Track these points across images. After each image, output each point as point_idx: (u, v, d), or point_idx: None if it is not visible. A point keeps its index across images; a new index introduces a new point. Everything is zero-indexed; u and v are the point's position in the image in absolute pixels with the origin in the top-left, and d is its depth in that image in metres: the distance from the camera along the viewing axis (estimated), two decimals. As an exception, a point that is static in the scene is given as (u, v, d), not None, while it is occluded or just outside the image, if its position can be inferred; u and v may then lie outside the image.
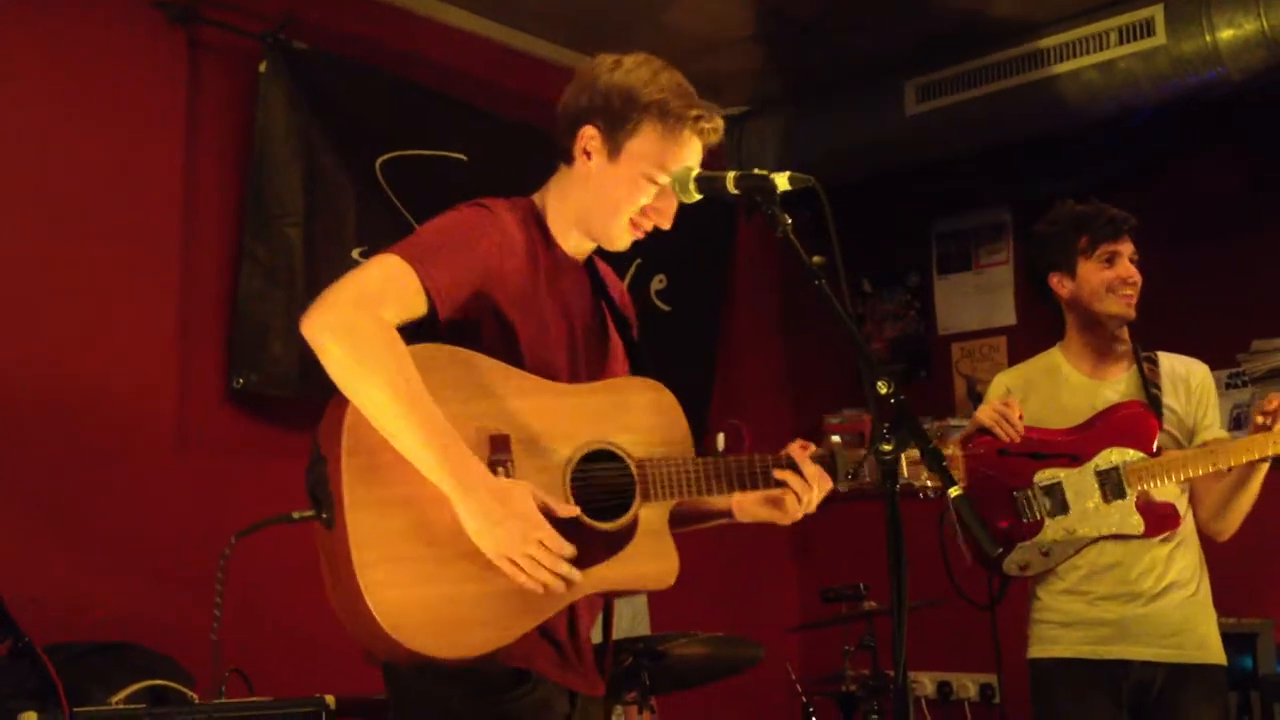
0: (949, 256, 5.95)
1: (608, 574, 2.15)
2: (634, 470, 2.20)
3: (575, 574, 2.05)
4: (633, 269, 5.20)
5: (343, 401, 2.02)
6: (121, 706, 3.11)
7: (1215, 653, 3.26)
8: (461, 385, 2.08)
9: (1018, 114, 5.04)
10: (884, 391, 1.95)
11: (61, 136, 3.90)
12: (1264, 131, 5.10)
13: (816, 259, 2.03)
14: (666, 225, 2.30)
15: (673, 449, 2.26)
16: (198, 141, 4.19)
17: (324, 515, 2.01)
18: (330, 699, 3.29)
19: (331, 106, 4.39)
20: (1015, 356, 5.29)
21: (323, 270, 4.25)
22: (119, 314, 3.98)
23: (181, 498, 4.00)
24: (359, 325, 2.01)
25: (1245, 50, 4.48)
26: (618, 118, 2.25)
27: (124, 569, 3.82)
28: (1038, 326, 5.34)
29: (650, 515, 2.21)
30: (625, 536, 2.18)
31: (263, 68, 4.23)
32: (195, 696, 3.24)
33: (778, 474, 2.31)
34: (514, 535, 2.00)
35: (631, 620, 4.50)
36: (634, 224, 2.28)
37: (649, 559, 2.20)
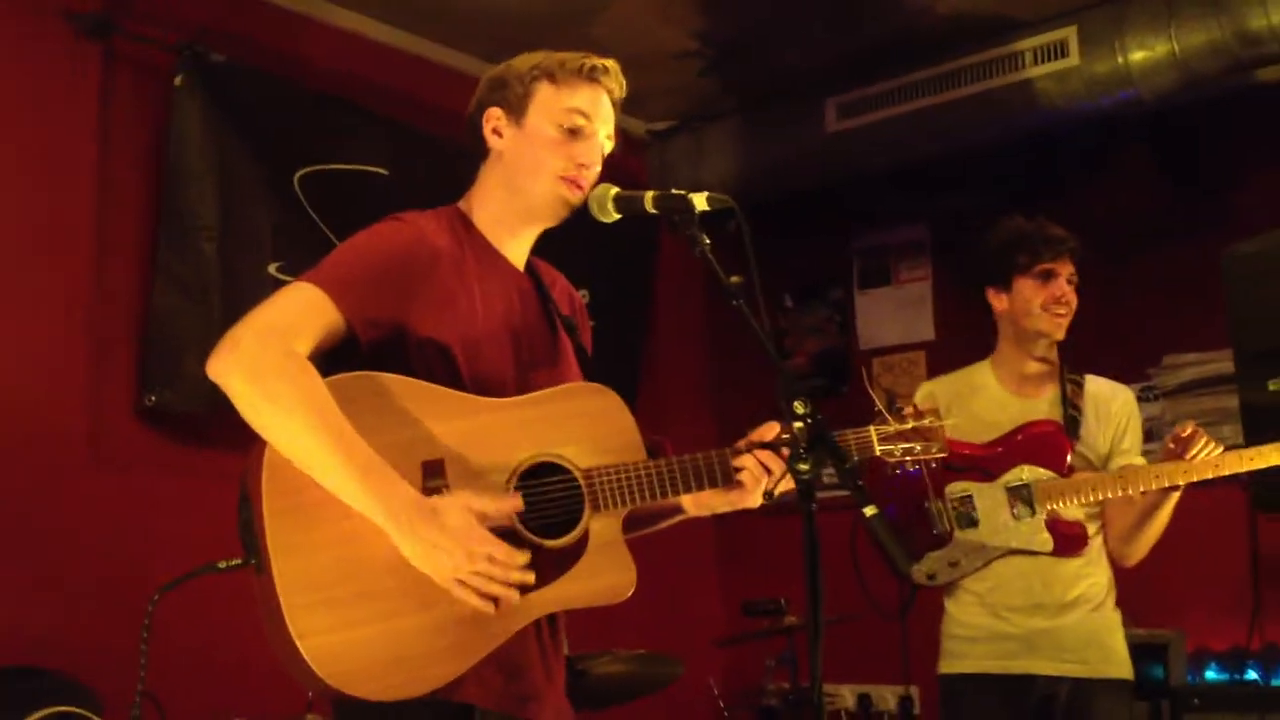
0: (869, 271, 6.01)
1: (561, 592, 2.07)
2: (581, 481, 2.12)
3: (529, 576, 1.99)
4: (555, 284, 5.14)
5: (264, 440, 1.95)
6: (27, 733, 3.04)
7: (1121, 667, 3.29)
8: (387, 413, 2.00)
9: (936, 132, 5.10)
10: (801, 411, 1.95)
11: (-31, 148, 3.82)
12: (1174, 151, 5.21)
13: (735, 279, 2.03)
14: (595, 165, 2.27)
15: (622, 455, 2.17)
16: (111, 154, 4.12)
17: (253, 561, 1.94)
18: (244, 723, 3.24)
19: (248, 120, 4.33)
20: (934, 371, 5.35)
21: (239, 285, 4.19)
22: (29, 328, 3.89)
23: (92, 517, 3.91)
24: (265, 361, 1.95)
25: (1156, 72, 4.57)
26: (513, 92, 2.27)
27: (31, 590, 3.73)
28: (956, 341, 5.42)
29: (602, 527, 2.13)
30: (577, 551, 2.10)
31: (178, 81, 4.16)
32: (105, 721, 3.18)
33: (737, 461, 2.23)
34: (456, 555, 1.93)
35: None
36: (567, 180, 2.24)
37: (603, 572, 2.12)
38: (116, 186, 4.12)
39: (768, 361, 2.01)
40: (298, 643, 1.88)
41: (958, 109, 4.98)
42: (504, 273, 2.27)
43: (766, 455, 2.23)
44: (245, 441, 2.01)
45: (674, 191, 2.14)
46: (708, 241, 2.09)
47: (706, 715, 5.42)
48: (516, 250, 2.32)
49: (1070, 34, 4.71)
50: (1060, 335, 3.35)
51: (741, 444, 2.27)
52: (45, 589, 3.75)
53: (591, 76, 2.28)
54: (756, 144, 5.55)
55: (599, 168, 2.28)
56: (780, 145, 5.49)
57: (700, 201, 2.12)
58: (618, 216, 2.23)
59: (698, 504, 2.35)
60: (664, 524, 2.43)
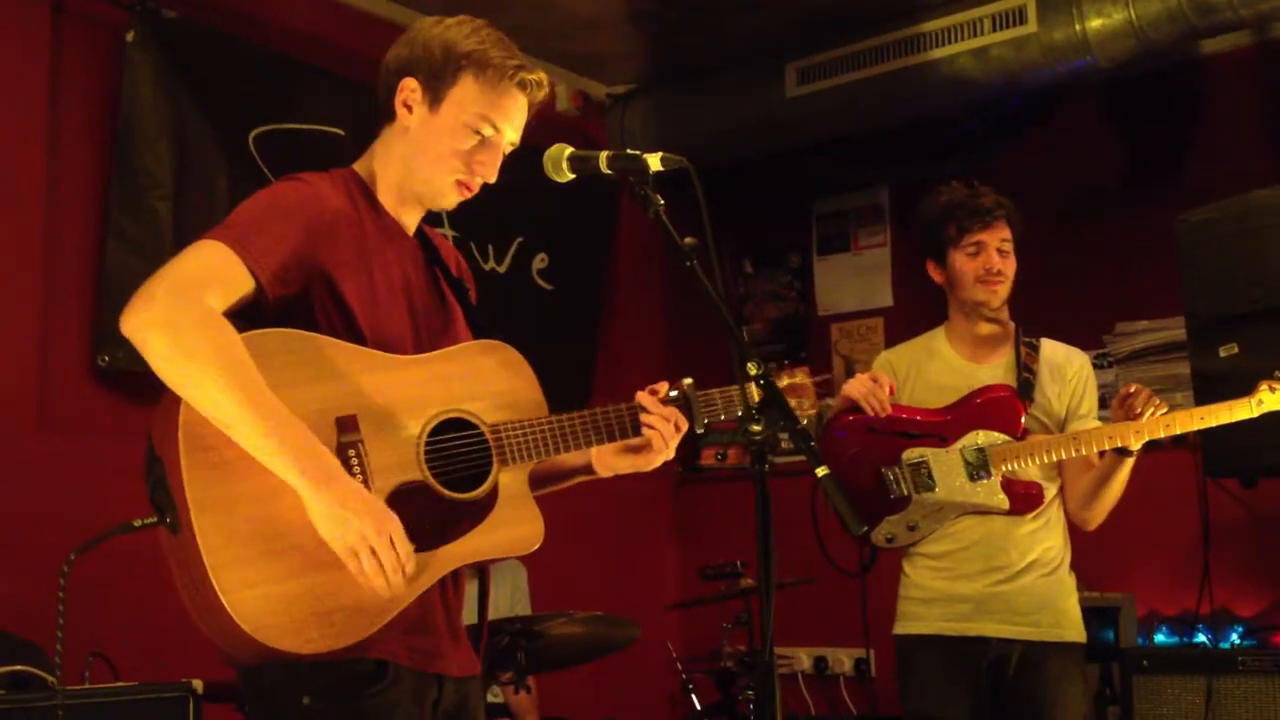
0: (829, 238, 6.02)
1: (474, 545, 2.12)
2: (488, 436, 2.17)
3: (402, 588, 1.98)
4: (514, 248, 5.15)
5: (175, 397, 1.94)
6: (-22, 693, 3.02)
7: (1073, 630, 3.32)
8: (300, 368, 2.01)
9: (895, 98, 5.10)
10: (753, 372, 1.96)
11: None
12: (1130, 119, 5.24)
13: (689, 240, 2.03)
14: (492, 178, 2.26)
15: (526, 410, 2.23)
16: (62, 112, 4.06)
17: (168, 520, 1.94)
18: (198, 683, 3.23)
19: (202, 78, 4.28)
20: (892, 337, 5.37)
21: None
22: (-22, 288, 3.85)
23: (44, 478, 3.88)
24: (180, 315, 1.94)
25: (1113, 40, 4.59)
26: (437, 69, 2.23)
27: (-17, 552, 3.70)
28: (914, 308, 5.44)
29: (510, 480, 2.18)
30: (487, 505, 2.15)
31: (130, 37, 4.11)
32: (56, 682, 3.15)
33: (645, 418, 2.27)
34: (365, 524, 1.93)
35: (511, 599, 4.49)
36: (461, 183, 2.24)
37: (513, 524, 2.18)
38: (67, 145, 4.07)
39: (724, 324, 2.02)
40: (222, 598, 1.87)
41: (917, 75, 4.98)
42: (397, 237, 2.28)
43: (672, 411, 2.28)
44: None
45: (629, 152, 2.14)
46: (662, 203, 2.09)
47: (664, 677, 5.46)
48: (409, 216, 2.32)
49: (1029, 1, 4.72)
50: (997, 303, 3.36)
51: (635, 402, 2.30)
52: (-4, 551, 3.72)
53: (521, 85, 2.25)
54: (717, 108, 5.53)
55: (495, 172, 2.27)
56: (740, 110, 5.48)
57: (654, 162, 2.11)
58: (572, 177, 2.22)
59: (601, 463, 2.39)
60: (571, 482, 2.46)
